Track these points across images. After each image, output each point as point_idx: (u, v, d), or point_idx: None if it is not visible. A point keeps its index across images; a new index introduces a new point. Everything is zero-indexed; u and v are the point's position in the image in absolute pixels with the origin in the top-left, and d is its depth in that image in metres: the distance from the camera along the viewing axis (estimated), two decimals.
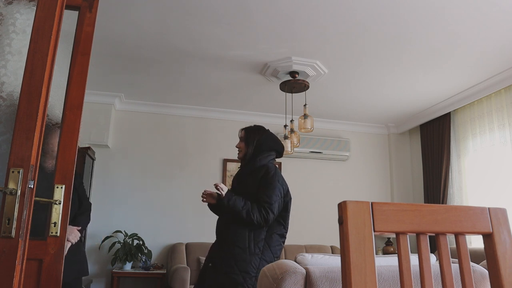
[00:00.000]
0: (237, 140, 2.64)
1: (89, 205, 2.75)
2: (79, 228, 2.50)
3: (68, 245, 2.42)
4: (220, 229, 2.47)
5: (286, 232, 2.51)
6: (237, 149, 2.60)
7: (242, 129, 2.64)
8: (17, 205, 1.20)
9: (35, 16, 1.35)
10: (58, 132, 1.66)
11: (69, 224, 2.49)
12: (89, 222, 2.73)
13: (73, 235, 2.43)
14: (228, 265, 2.30)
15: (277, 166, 2.60)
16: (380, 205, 0.88)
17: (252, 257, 2.30)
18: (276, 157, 2.61)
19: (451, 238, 3.79)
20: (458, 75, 4.14)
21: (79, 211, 2.64)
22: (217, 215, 2.58)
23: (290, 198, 2.57)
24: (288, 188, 2.56)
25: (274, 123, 5.50)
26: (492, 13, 3.03)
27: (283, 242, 2.50)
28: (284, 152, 4.25)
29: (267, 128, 2.64)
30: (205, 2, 2.98)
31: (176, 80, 4.46)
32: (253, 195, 2.39)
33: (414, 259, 1.44)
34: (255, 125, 2.65)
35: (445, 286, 0.91)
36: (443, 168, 4.89)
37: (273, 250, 2.39)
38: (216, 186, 2.38)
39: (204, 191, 2.50)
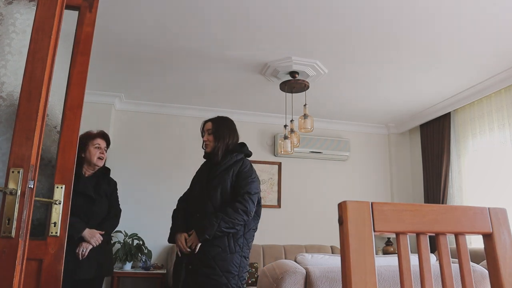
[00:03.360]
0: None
1: (118, 211, 2.86)
2: (103, 232, 2.55)
3: (89, 247, 2.47)
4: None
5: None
6: (204, 142, 2.53)
7: (209, 121, 2.57)
8: (17, 205, 1.20)
9: (35, 16, 1.35)
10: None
11: (95, 229, 2.56)
12: (116, 226, 2.81)
13: (95, 238, 2.50)
14: (209, 266, 2.23)
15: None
16: (380, 205, 0.88)
17: (232, 256, 2.27)
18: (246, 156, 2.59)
19: (451, 238, 3.79)
20: (458, 75, 4.14)
21: (108, 216, 2.73)
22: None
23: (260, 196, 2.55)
24: None
25: (274, 123, 5.51)
26: (492, 13, 3.03)
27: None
28: (284, 152, 4.29)
29: (233, 122, 2.61)
30: (205, 2, 2.98)
31: (176, 80, 4.46)
32: (227, 190, 2.38)
33: (414, 259, 1.44)
34: (221, 116, 2.61)
35: (445, 286, 0.91)
36: (443, 168, 4.89)
37: (250, 246, 2.40)
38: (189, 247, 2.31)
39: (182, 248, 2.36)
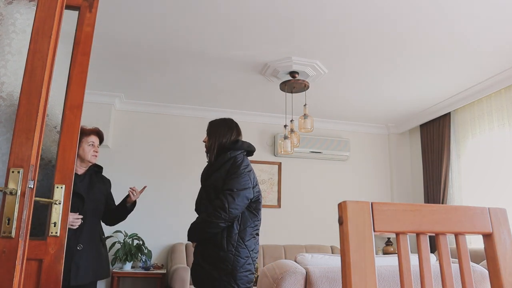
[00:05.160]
0: None
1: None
2: (76, 214, 2.43)
3: (76, 222, 2.40)
4: None
5: (260, 224, 2.49)
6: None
7: (209, 123, 2.66)
8: (17, 205, 1.20)
9: (35, 16, 1.35)
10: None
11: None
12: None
13: (70, 220, 2.33)
14: (204, 260, 2.34)
15: (247, 158, 2.56)
16: (380, 205, 0.88)
17: (226, 254, 2.30)
18: (247, 155, 2.58)
19: (451, 238, 3.79)
20: (458, 75, 4.14)
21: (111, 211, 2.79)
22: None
23: (259, 191, 2.51)
24: (257, 180, 2.53)
25: (274, 123, 5.51)
26: (493, 13, 3.03)
27: (257, 234, 2.47)
28: (284, 152, 4.29)
29: (234, 122, 2.63)
30: (205, 2, 2.98)
31: (176, 80, 4.46)
32: (219, 188, 2.40)
33: (414, 259, 1.44)
34: (220, 118, 2.66)
35: (445, 286, 0.91)
36: (443, 168, 4.89)
37: (247, 245, 2.36)
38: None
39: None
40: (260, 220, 2.50)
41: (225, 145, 2.51)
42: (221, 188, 2.37)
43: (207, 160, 2.59)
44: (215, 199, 2.35)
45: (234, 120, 2.68)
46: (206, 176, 2.53)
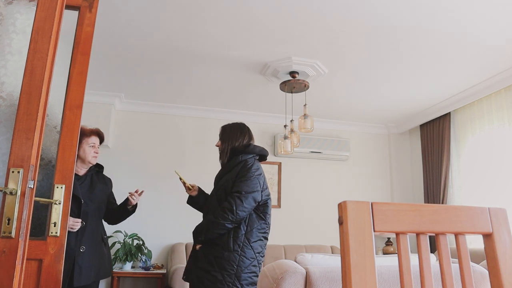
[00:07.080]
0: None
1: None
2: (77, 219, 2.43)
3: (76, 225, 2.39)
4: None
5: (269, 229, 2.50)
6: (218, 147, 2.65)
7: (221, 127, 2.69)
8: (17, 205, 1.20)
9: (35, 16, 1.35)
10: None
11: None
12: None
13: (70, 223, 2.32)
14: (209, 262, 2.34)
15: (259, 162, 2.58)
16: (380, 205, 0.88)
17: (230, 254, 2.31)
18: (260, 160, 2.61)
19: (451, 238, 3.79)
20: (458, 75, 4.14)
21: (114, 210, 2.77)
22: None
23: (268, 195, 2.52)
24: (267, 185, 2.55)
25: (274, 123, 5.51)
26: (493, 13, 3.03)
27: (265, 238, 2.48)
28: (284, 152, 4.29)
29: (246, 126, 2.66)
30: (205, 2, 2.98)
31: (176, 80, 4.46)
32: (228, 189, 2.42)
33: (414, 259, 1.44)
34: (233, 122, 2.68)
35: (445, 286, 0.91)
36: (443, 168, 4.89)
37: (253, 246, 2.38)
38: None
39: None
40: (269, 225, 2.50)
41: (237, 149, 2.55)
42: (230, 190, 2.40)
43: (220, 163, 2.65)
44: (224, 201, 2.39)
45: (234, 119, 2.72)
46: (218, 178, 2.59)
